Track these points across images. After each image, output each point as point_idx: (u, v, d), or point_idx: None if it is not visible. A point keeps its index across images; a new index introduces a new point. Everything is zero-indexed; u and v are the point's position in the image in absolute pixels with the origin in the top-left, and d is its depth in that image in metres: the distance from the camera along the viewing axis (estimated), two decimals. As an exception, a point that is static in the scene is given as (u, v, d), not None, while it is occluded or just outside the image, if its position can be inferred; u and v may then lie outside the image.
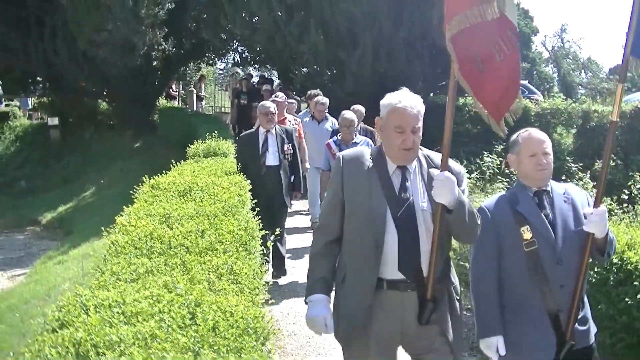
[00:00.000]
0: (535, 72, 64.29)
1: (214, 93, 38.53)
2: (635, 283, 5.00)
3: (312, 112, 13.08)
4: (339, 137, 9.78)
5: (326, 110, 12.98)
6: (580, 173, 13.38)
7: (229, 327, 2.91)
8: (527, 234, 4.17)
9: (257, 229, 5.23)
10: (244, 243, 4.65)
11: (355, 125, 10.50)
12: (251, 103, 19.86)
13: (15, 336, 8.80)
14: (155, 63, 23.34)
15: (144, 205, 5.80)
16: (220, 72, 54.81)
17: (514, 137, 4.56)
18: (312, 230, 11.84)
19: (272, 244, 8.32)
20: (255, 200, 7.34)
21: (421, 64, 19.69)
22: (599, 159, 16.66)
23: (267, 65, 25.57)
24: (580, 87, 66.58)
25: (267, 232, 6.57)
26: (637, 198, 10.92)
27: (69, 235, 16.19)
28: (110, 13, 20.41)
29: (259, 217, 6.11)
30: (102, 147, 25.22)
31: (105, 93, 26.05)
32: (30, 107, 32.33)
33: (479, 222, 3.90)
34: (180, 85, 33.19)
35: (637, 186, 11.34)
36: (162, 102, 28.77)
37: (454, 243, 9.83)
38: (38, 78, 26.56)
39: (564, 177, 12.69)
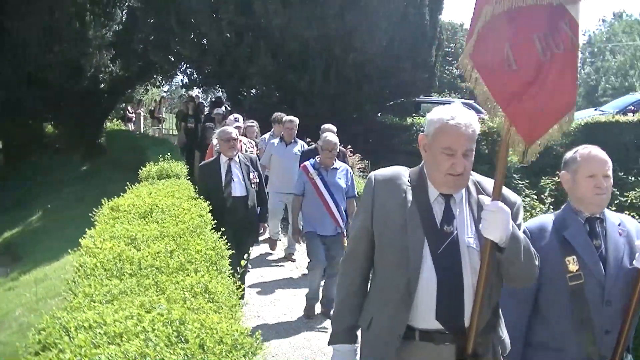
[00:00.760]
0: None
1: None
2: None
3: (277, 135, 12.34)
4: (318, 160, 8.85)
5: (295, 132, 12.10)
6: (527, 190, 13.59)
7: (216, 344, 2.93)
8: (572, 266, 3.66)
9: (224, 249, 5.22)
10: (214, 262, 4.67)
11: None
12: (198, 125, 19.46)
13: (-30, 363, 8.64)
14: (102, 85, 23.22)
15: (105, 228, 5.76)
16: (165, 93, 54.57)
17: (570, 153, 4.07)
18: (284, 263, 11.87)
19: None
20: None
21: (370, 86, 19.91)
22: (545, 176, 17.03)
23: (216, 87, 25.46)
24: (523, 106, 67.62)
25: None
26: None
27: (17, 261, 15.90)
28: (58, 35, 20.26)
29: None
30: (49, 171, 24.84)
31: (51, 115, 25.70)
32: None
33: (537, 262, 3.31)
34: (141, 107, 32.65)
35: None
36: (116, 125, 28.52)
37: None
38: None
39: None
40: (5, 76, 21.94)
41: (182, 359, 2.78)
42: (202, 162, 9.88)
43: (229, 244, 5.75)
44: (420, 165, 3.42)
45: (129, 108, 29.90)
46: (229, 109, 20.76)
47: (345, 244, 7.91)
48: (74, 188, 22.34)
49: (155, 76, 29.04)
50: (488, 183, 3.40)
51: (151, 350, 2.80)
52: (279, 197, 11.64)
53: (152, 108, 31.98)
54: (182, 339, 3.00)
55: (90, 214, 14.59)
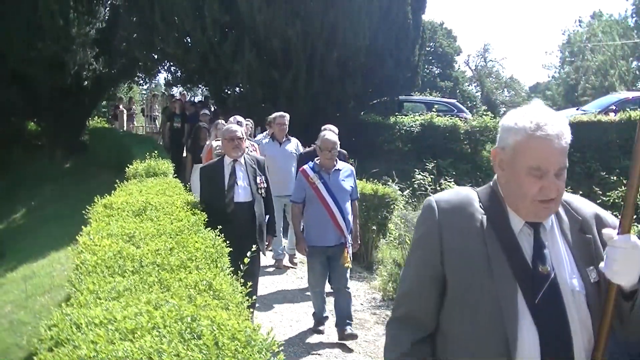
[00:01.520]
0: (458, 91, 65.43)
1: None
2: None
3: (270, 133, 11.44)
4: (317, 162, 8.00)
5: (287, 129, 11.25)
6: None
7: (230, 340, 2.99)
8: None
9: (224, 246, 5.26)
10: (214, 260, 4.72)
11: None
12: (185, 125, 19.40)
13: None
14: (85, 83, 23.13)
15: (101, 225, 5.78)
16: (145, 93, 54.48)
17: None
18: (275, 269, 11.26)
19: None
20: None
21: (353, 84, 19.96)
22: (528, 175, 17.12)
23: (200, 85, 25.44)
24: (502, 105, 67.93)
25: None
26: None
27: (1, 257, 15.85)
28: (41, 31, 20.18)
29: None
30: (31, 168, 24.72)
31: (33, 113, 25.55)
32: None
33: None
34: (133, 104, 32.27)
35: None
36: (100, 123, 28.38)
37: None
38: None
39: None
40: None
41: (198, 355, 2.83)
42: (204, 164, 8.97)
43: (230, 257, 5.32)
44: (491, 184, 2.68)
45: (120, 106, 29.68)
46: (213, 109, 20.76)
47: (347, 258, 7.90)
48: (56, 185, 22.30)
49: (138, 74, 28.97)
50: (580, 203, 2.69)
51: (166, 346, 2.86)
52: (276, 201, 9.55)
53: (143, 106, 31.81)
54: (195, 335, 3.05)
55: (73, 212, 14.60)
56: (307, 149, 10.78)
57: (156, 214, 6.36)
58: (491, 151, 2.62)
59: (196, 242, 5.10)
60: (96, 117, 28.65)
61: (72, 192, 20.35)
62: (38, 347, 3.10)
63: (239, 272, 4.83)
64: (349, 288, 8.12)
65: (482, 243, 2.49)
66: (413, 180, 13.64)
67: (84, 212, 7.24)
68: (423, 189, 12.98)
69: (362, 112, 22.37)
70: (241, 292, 4.06)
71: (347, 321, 7.97)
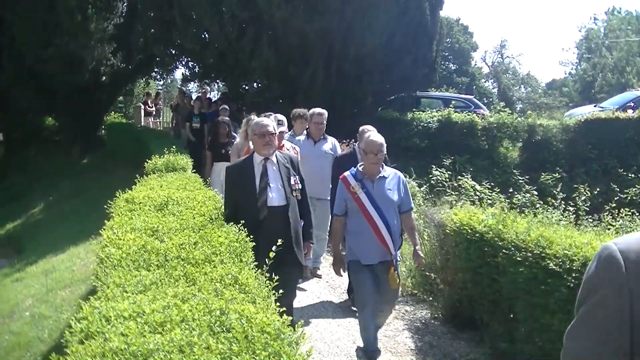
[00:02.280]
0: (475, 87, 65.26)
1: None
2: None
3: (298, 133, 10.42)
4: (360, 169, 6.96)
5: (324, 127, 10.32)
6: (527, 186, 13.66)
7: (259, 333, 3.00)
8: None
9: (248, 241, 5.28)
10: (238, 254, 4.73)
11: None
12: (204, 126, 18.71)
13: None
14: (103, 78, 23.21)
15: (123, 220, 5.81)
16: (161, 88, 54.61)
17: None
18: (310, 279, 10.41)
19: None
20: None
21: (370, 81, 19.98)
22: (545, 172, 17.11)
23: (217, 80, 25.47)
24: (519, 101, 67.76)
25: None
26: (582, 209, 11.21)
27: (20, 252, 15.96)
28: (59, 28, 20.25)
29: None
30: (49, 164, 24.93)
31: (51, 109, 25.67)
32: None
33: None
34: (159, 100, 32.01)
35: (582, 198, 11.63)
36: (118, 118, 28.43)
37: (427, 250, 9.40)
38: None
39: (510, 190, 12.96)
40: (6, 70, 21.96)
41: (227, 347, 2.84)
42: (231, 164, 8.06)
43: (263, 269, 4.65)
44: None
45: (149, 102, 29.67)
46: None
47: (396, 277, 6.85)
48: (74, 181, 22.45)
49: (155, 69, 29.04)
50: None
51: (197, 339, 2.87)
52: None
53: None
54: (225, 328, 3.07)
55: (91, 207, 14.64)
56: (344, 152, 10.17)
57: (178, 208, 6.37)
58: None
59: (220, 236, 5.11)
60: (113, 112, 28.78)
61: (90, 188, 20.48)
62: (69, 340, 3.13)
63: (273, 279, 4.38)
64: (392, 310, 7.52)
65: None
66: (430, 176, 13.66)
67: (101, 207, 7.27)
68: (440, 185, 12.97)
69: (380, 109, 22.38)
70: (267, 286, 4.06)
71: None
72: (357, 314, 8.76)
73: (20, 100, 23.93)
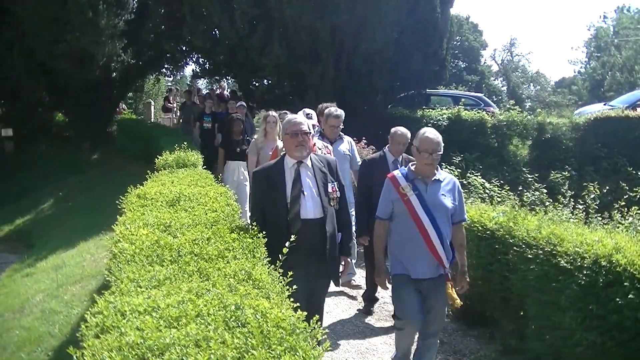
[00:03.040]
0: (484, 85, 65.27)
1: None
2: (625, 284, 5.24)
3: (321, 129, 9.62)
4: (412, 168, 6.18)
5: (341, 127, 9.67)
6: (536, 184, 13.64)
7: (275, 328, 3.02)
8: None
9: (261, 236, 5.29)
10: (251, 250, 4.75)
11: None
12: (215, 126, 17.80)
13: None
14: (114, 74, 23.25)
15: (136, 215, 5.83)
16: (170, 84, 54.72)
17: None
18: (346, 295, 9.70)
19: None
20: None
21: (380, 78, 19.96)
22: (554, 170, 17.09)
23: (228, 77, 25.48)
24: (528, 99, 67.70)
25: None
26: (592, 207, 11.19)
27: (30, 248, 15.99)
28: (69, 24, 20.29)
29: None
30: (59, 160, 24.94)
31: (62, 105, 25.72)
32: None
33: None
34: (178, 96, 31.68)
35: (591, 196, 11.62)
36: (128, 114, 28.44)
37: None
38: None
39: (520, 188, 12.95)
40: (17, 65, 22.02)
41: (243, 342, 2.86)
42: (258, 167, 6.95)
43: (294, 290, 4.15)
44: None
45: (170, 98, 29.62)
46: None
47: (454, 294, 6.04)
48: (83, 176, 22.51)
49: (166, 66, 29.08)
50: None
51: (212, 334, 2.90)
52: None
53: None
54: (240, 323, 3.09)
55: (101, 203, 14.67)
56: (372, 155, 9.29)
57: (190, 204, 6.38)
58: None
59: (232, 232, 5.13)
60: (125, 109, 28.84)
61: (100, 183, 20.53)
62: (85, 334, 3.15)
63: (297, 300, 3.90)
64: (438, 339, 6.55)
65: None
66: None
67: (111, 202, 7.28)
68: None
69: (389, 106, 22.33)
70: (280, 282, 4.07)
71: None
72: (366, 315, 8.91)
73: (31, 95, 23.95)
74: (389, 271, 6.37)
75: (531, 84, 74.36)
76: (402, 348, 6.44)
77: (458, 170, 13.40)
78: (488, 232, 7.43)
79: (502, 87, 73.24)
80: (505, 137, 21.12)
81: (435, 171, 6.09)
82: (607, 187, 14.51)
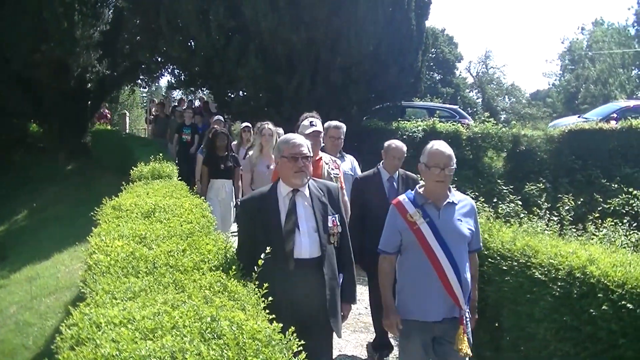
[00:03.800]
0: (459, 97, 65.64)
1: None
2: (599, 295, 5.28)
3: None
4: (420, 191, 5.29)
5: (342, 143, 8.54)
6: (511, 196, 13.73)
7: (251, 340, 3.02)
8: None
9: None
10: (227, 262, 4.75)
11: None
12: (195, 138, 17.29)
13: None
14: (89, 85, 23.21)
15: (111, 226, 5.81)
16: (145, 96, 54.73)
17: None
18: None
19: None
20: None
21: (356, 90, 20.01)
22: (529, 182, 17.23)
23: (203, 88, 25.43)
24: (503, 112, 68.17)
25: None
26: (566, 219, 11.29)
27: (3, 259, 15.90)
28: (45, 34, 20.26)
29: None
30: (34, 170, 24.85)
31: (37, 114, 25.60)
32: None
33: None
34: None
35: (566, 208, 11.71)
36: (103, 125, 28.31)
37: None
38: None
39: (495, 200, 13.01)
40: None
41: (219, 354, 2.87)
42: (246, 196, 5.99)
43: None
44: None
45: (152, 109, 29.32)
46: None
47: (465, 340, 5.09)
48: (58, 187, 22.40)
49: (141, 76, 29.02)
50: None
51: (188, 346, 2.89)
52: None
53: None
54: (216, 335, 3.09)
55: (75, 214, 14.58)
56: (365, 173, 8.06)
57: (165, 215, 6.37)
58: None
59: (208, 243, 5.13)
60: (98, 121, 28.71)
61: (75, 194, 20.44)
62: (60, 346, 3.14)
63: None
64: None
65: None
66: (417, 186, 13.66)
67: (86, 214, 7.26)
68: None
69: (365, 118, 22.40)
70: (256, 294, 4.08)
71: None
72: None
73: (6, 104, 23.81)
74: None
75: (506, 96, 74.89)
76: None
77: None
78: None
79: (477, 99, 73.73)
80: (480, 149, 21.23)
81: (448, 192, 5.25)
82: (582, 199, 14.62)
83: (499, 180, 17.61)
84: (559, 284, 5.60)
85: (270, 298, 4.03)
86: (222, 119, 15.93)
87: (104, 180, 19.50)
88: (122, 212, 6.61)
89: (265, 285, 4.09)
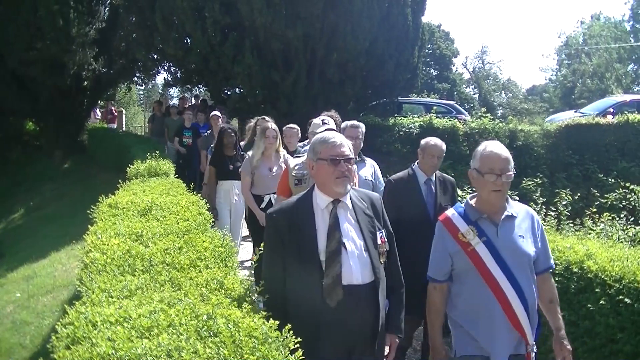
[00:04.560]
0: (455, 93, 65.63)
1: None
2: (596, 290, 5.28)
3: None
4: (472, 203, 4.43)
5: (361, 144, 7.40)
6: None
7: (247, 338, 3.01)
8: None
9: (233, 246, 5.27)
10: (223, 259, 4.74)
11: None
12: (196, 142, 16.15)
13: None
14: (85, 83, 23.18)
15: (107, 224, 5.80)
16: (142, 93, 54.69)
17: None
18: None
19: None
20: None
21: (353, 86, 19.99)
22: (526, 177, 17.22)
23: (199, 86, 25.36)
24: (500, 107, 68.20)
25: None
26: (563, 214, 11.30)
27: (1, 258, 15.88)
28: (40, 32, 20.23)
29: None
30: (30, 168, 24.84)
31: (33, 112, 25.56)
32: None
33: None
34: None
35: (563, 202, 11.72)
36: (100, 123, 28.22)
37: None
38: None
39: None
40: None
41: (215, 352, 2.85)
42: (274, 209, 4.39)
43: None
44: None
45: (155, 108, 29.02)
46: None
47: None
48: (55, 185, 22.40)
49: (137, 74, 28.96)
50: None
51: (184, 344, 2.88)
52: None
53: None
54: (212, 333, 3.08)
55: (72, 212, 14.55)
56: (399, 174, 6.95)
57: (162, 213, 6.37)
58: None
59: (204, 241, 5.12)
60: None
61: (71, 192, 20.43)
62: (56, 345, 3.13)
63: None
64: None
65: None
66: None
67: (83, 212, 7.23)
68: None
69: (362, 114, 22.37)
70: (252, 291, 4.07)
71: None
72: None
73: (2, 102, 23.77)
74: (454, 353, 4.49)
75: (502, 92, 74.96)
76: None
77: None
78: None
79: (474, 94, 73.78)
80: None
81: (507, 203, 4.39)
82: (579, 194, 14.64)
83: (496, 176, 17.58)
84: (557, 279, 5.61)
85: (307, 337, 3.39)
86: (220, 114, 14.52)
87: (101, 178, 19.49)
88: (119, 210, 6.60)
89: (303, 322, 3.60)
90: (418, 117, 21.92)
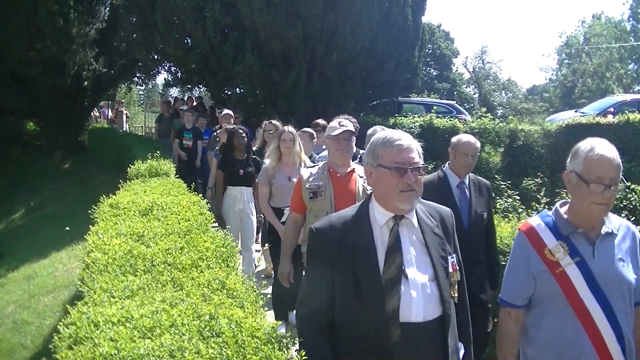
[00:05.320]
0: (455, 93, 65.62)
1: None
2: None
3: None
4: (564, 214, 3.71)
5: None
6: (509, 191, 13.70)
7: (250, 338, 3.01)
8: None
9: (235, 246, 5.27)
10: (224, 259, 4.74)
11: None
12: (197, 143, 15.59)
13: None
14: (85, 83, 23.17)
15: (109, 225, 5.80)
16: (142, 93, 54.71)
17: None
18: None
19: None
20: None
21: (353, 86, 19.99)
22: (527, 177, 17.20)
23: (199, 86, 25.34)
24: (500, 107, 68.18)
25: None
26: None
27: (1, 258, 15.87)
28: (40, 32, 20.22)
29: None
30: (30, 168, 24.84)
31: (32, 113, 25.55)
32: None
33: None
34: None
35: (563, 202, 11.70)
36: (100, 123, 28.26)
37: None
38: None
39: (493, 195, 13.03)
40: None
41: (218, 352, 2.85)
42: (320, 222, 3.48)
43: None
44: None
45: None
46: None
47: None
48: (55, 185, 22.39)
49: (137, 74, 28.96)
50: None
51: (187, 344, 2.88)
52: None
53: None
54: (214, 333, 3.07)
55: (72, 212, 14.56)
56: (429, 177, 6.10)
57: (163, 213, 6.37)
58: None
59: (205, 241, 5.12)
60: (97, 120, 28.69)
61: (71, 193, 20.43)
62: (58, 345, 3.13)
63: None
64: None
65: None
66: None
67: (84, 212, 7.23)
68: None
69: (362, 114, 22.36)
70: (255, 291, 4.06)
71: None
72: None
73: (2, 102, 23.76)
74: None
75: (503, 92, 74.97)
76: None
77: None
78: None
79: (474, 94, 73.80)
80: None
81: (606, 218, 3.61)
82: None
83: (496, 176, 17.58)
84: (558, 278, 5.59)
85: None
86: (232, 114, 13.50)
87: (102, 178, 19.49)
88: (120, 210, 6.60)
89: None
90: (418, 117, 21.89)
